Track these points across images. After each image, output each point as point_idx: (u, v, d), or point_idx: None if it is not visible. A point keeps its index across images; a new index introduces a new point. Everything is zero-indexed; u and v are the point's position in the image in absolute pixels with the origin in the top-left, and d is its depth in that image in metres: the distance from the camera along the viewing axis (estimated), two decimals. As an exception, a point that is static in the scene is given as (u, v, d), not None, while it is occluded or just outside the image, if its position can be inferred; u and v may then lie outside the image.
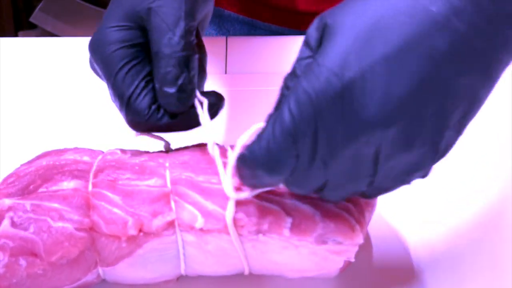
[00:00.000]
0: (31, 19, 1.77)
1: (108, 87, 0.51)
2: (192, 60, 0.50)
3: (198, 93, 0.51)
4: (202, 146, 0.52)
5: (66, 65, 0.72)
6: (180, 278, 0.52)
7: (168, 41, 0.50)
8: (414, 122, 0.39)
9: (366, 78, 0.38)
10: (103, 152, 0.52)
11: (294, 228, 0.47)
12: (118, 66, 0.50)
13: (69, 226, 0.47)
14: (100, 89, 0.69)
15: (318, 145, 0.40)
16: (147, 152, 0.52)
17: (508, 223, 0.57)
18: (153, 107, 0.50)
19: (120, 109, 0.51)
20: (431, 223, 0.57)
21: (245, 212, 0.47)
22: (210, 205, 0.47)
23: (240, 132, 0.63)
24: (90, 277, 0.49)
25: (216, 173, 0.48)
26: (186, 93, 0.50)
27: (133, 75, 0.50)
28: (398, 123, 0.39)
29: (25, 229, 0.47)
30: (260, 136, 0.42)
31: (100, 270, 0.49)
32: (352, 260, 0.49)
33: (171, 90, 0.49)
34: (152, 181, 0.48)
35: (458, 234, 0.56)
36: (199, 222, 0.47)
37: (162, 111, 0.50)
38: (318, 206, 0.47)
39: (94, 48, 0.52)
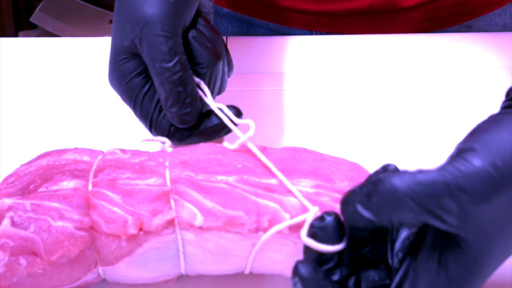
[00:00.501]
0: (31, 19, 1.77)
1: (134, 113, 0.56)
2: (186, 77, 0.53)
3: (211, 103, 0.55)
4: (200, 145, 0.53)
5: (66, 65, 0.72)
6: (180, 277, 0.52)
7: (158, 70, 0.53)
8: None
9: None
10: (103, 152, 0.53)
11: (293, 224, 0.47)
12: (134, 95, 0.55)
13: (69, 226, 0.47)
14: (100, 89, 0.69)
15: None
16: (147, 152, 0.52)
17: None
18: (172, 128, 0.55)
19: (149, 131, 0.56)
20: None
21: (245, 210, 0.47)
22: (209, 203, 0.47)
23: (240, 131, 0.64)
24: (90, 277, 0.49)
25: (215, 172, 0.49)
26: (189, 107, 0.54)
27: (149, 101, 0.55)
28: None
29: (25, 229, 0.47)
30: None
31: (100, 269, 0.49)
32: None
33: (174, 110, 0.54)
34: (152, 180, 0.48)
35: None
36: (199, 220, 0.47)
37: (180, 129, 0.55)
38: (316, 202, 0.47)
39: (111, 82, 0.57)
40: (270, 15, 0.80)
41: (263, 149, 0.52)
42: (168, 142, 0.55)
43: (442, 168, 0.39)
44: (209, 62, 0.55)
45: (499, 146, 0.40)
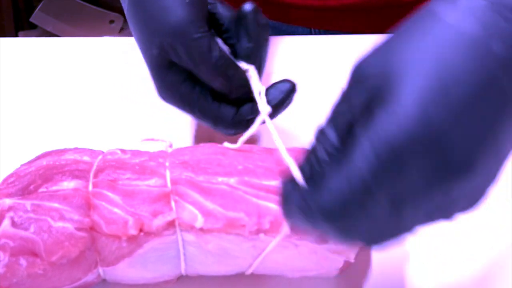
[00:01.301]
0: (31, 19, 1.77)
1: (195, 118, 0.56)
2: (231, 69, 0.53)
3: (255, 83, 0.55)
4: (200, 146, 0.53)
5: (66, 65, 0.72)
6: (180, 278, 0.52)
7: (203, 71, 0.53)
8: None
9: (450, 125, 0.36)
10: (103, 152, 0.52)
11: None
12: (190, 101, 0.54)
13: (69, 226, 0.47)
14: (100, 89, 0.69)
15: (398, 195, 0.37)
16: (147, 152, 0.52)
17: (508, 226, 0.57)
18: (235, 116, 0.54)
19: (215, 128, 0.56)
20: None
21: (245, 211, 0.47)
22: (210, 205, 0.47)
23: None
24: (90, 277, 0.49)
25: (216, 173, 0.49)
26: (241, 89, 0.54)
27: (204, 100, 0.54)
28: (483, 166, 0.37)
29: (26, 229, 0.47)
30: (324, 185, 0.38)
31: (100, 270, 0.49)
32: (352, 261, 0.49)
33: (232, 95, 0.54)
34: (152, 181, 0.48)
35: (458, 234, 0.56)
36: (199, 221, 0.47)
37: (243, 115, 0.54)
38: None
39: (165, 98, 0.56)
40: (269, 11, 0.80)
41: (264, 150, 0.52)
42: (168, 142, 0.55)
43: None
44: (261, 43, 0.56)
45: None
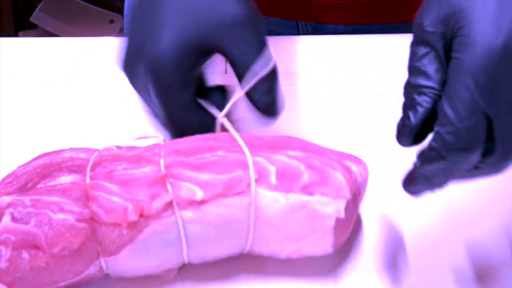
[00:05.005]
0: (31, 19, 1.78)
1: None
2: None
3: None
4: (195, 136, 0.53)
5: (66, 65, 0.72)
6: (182, 268, 0.52)
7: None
8: None
9: None
10: (99, 150, 0.53)
11: (279, 176, 0.49)
12: None
13: (69, 218, 0.47)
14: (100, 89, 0.69)
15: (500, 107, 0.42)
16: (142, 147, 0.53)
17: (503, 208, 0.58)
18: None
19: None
20: (424, 208, 0.57)
21: (240, 168, 0.49)
22: (205, 176, 0.48)
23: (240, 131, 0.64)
24: (92, 269, 0.49)
25: (205, 153, 0.50)
26: None
27: None
28: None
29: (26, 223, 0.47)
30: (440, 124, 0.43)
31: (102, 261, 0.49)
32: (342, 215, 0.49)
33: None
34: (147, 168, 0.49)
35: (451, 218, 0.57)
36: (199, 195, 0.48)
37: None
38: (301, 159, 0.50)
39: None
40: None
41: (256, 137, 0.53)
42: (162, 137, 0.56)
43: None
44: None
45: None
